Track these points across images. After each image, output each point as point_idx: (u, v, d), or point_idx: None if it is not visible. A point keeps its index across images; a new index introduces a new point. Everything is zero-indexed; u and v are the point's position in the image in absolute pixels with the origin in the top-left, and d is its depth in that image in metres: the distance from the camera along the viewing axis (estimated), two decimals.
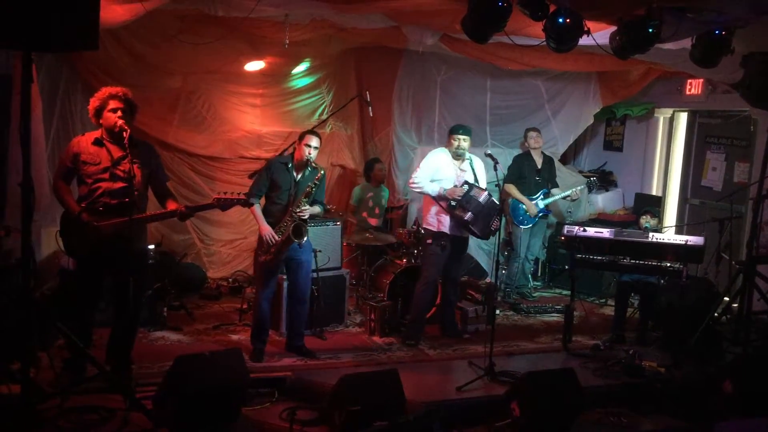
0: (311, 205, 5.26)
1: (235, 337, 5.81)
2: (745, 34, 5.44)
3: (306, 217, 5.21)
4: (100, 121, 4.43)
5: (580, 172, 9.02)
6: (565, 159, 9.24)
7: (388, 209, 7.84)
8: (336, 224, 6.38)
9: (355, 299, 6.77)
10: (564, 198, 7.39)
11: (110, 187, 4.39)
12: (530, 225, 7.38)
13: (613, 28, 5.16)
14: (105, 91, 4.42)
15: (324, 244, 6.05)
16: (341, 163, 7.99)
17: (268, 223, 5.23)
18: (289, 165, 5.29)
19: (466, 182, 5.76)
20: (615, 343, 6.04)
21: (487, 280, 7.42)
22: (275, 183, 5.27)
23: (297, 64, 7.35)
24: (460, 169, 5.88)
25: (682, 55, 5.69)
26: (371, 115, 7.56)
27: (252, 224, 6.24)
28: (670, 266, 5.81)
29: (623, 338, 6.13)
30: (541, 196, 7.36)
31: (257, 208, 5.25)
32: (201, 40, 5.95)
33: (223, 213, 5.67)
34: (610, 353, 5.76)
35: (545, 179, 7.45)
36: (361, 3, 5.35)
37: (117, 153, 4.41)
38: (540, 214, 7.38)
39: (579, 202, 8.01)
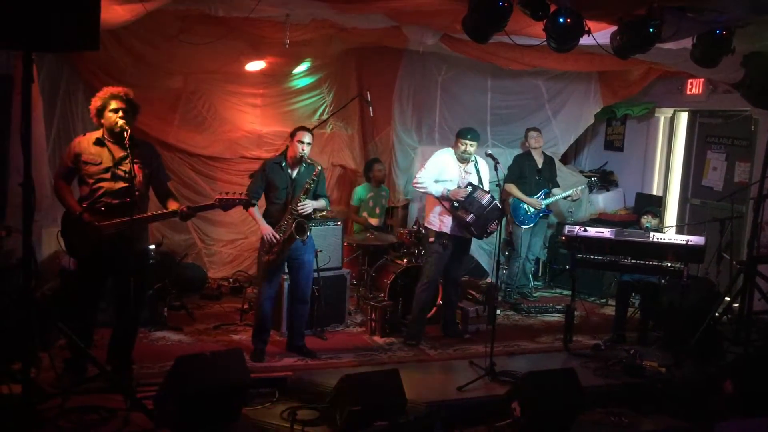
0: (314, 200, 5.26)
1: (235, 337, 5.82)
2: (746, 34, 5.44)
3: (308, 212, 5.20)
4: (102, 121, 4.43)
5: (581, 171, 9.02)
6: (565, 159, 9.24)
7: (389, 209, 7.85)
8: (336, 224, 6.38)
9: (355, 299, 6.77)
10: (565, 198, 7.39)
11: (111, 188, 4.39)
12: (531, 225, 7.38)
13: (614, 28, 5.17)
14: (107, 91, 4.42)
15: (325, 244, 6.05)
16: (342, 163, 7.99)
17: (269, 223, 5.22)
18: (283, 164, 5.27)
19: (470, 184, 5.76)
20: (616, 343, 6.04)
21: (488, 280, 7.42)
22: (272, 183, 5.27)
23: (297, 64, 7.35)
24: (465, 171, 5.88)
25: (682, 55, 5.69)
26: (372, 115, 7.57)
27: (253, 224, 6.24)
28: (670, 266, 5.80)
29: (624, 338, 6.13)
30: (542, 196, 7.36)
31: (255, 210, 5.23)
32: (201, 40, 5.96)
33: (224, 213, 5.67)
34: (610, 353, 5.75)
35: (546, 179, 7.44)
36: (361, 3, 5.35)
37: (118, 153, 4.42)
38: (541, 214, 7.38)
39: (580, 202, 8.01)
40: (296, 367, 5.17)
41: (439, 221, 5.84)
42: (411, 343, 5.85)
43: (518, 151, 7.95)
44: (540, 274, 8.34)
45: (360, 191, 7.52)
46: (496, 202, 5.79)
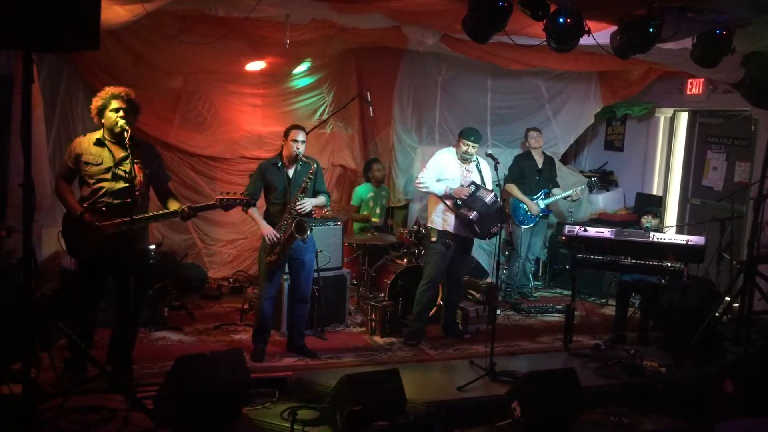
0: (313, 197, 5.26)
1: (236, 337, 5.81)
2: (746, 34, 5.45)
3: (307, 210, 5.20)
4: (102, 121, 4.43)
5: (581, 171, 9.02)
6: (565, 159, 9.23)
7: (389, 209, 7.85)
8: (337, 224, 6.38)
9: (355, 299, 6.77)
10: (565, 198, 7.39)
11: (112, 188, 4.39)
12: (531, 225, 7.38)
13: (614, 28, 5.17)
14: (108, 90, 4.43)
15: (325, 244, 6.05)
16: (342, 163, 7.99)
17: (269, 223, 5.22)
18: (279, 164, 5.27)
19: (473, 182, 5.77)
20: (616, 342, 6.04)
21: (488, 280, 7.42)
22: (269, 184, 5.26)
23: (298, 64, 7.35)
24: (466, 170, 5.88)
25: (682, 55, 5.69)
26: (372, 115, 7.56)
27: (253, 224, 6.24)
28: (671, 266, 5.80)
29: (624, 338, 6.13)
30: (542, 196, 7.35)
31: (254, 211, 5.24)
32: (202, 40, 5.96)
33: (224, 213, 5.68)
34: (610, 353, 5.75)
35: (546, 179, 7.44)
36: (361, 3, 5.35)
37: (119, 153, 4.42)
38: (541, 214, 7.38)
39: (580, 202, 8.01)
40: (296, 367, 5.17)
41: (443, 220, 5.84)
42: (411, 343, 5.85)
43: (518, 151, 7.95)
44: (540, 274, 8.34)
45: (360, 191, 7.52)
46: (500, 200, 5.77)
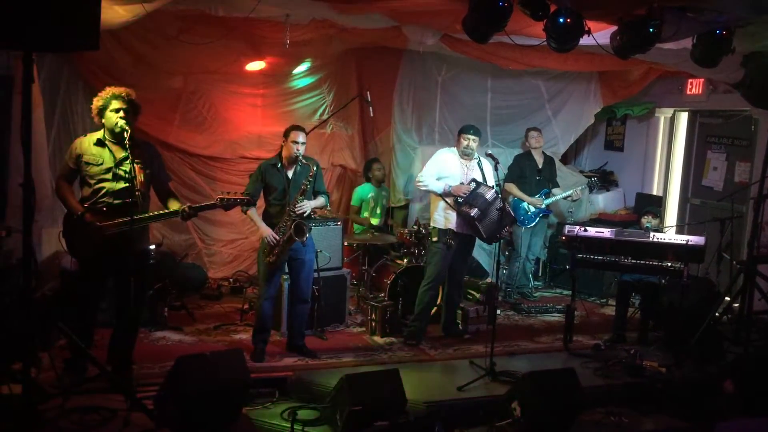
0: (313, 198, 5.26)
1: (236, 337, 5.82)
2: (746, 34, 5.45)
3: (306, 212, 5.20)
4: (103, 121, 4.43)
5: (581, 171, 9.02)
6: (565, 159, 9.24)
7: (389, 210, 7.85)
8: (337, 224, 6.38)
9: (355, 299, 6.77)
10: (565, 198, 7.39)
11: (113, 188, 4.40)
12: (531, 225, 7.38)
13: (614, 28, 5.17)
14: (109, 91, 4.43)
15: (325, 244, 6.05)
16: (342, 163, 8.00)
17: (269, 224, 5.22)
18: (279, 165, 5.26)
19: (473, 180, 5.76)
20: (616, 342, 6.04)
21: (488, 280, 7.42)
22: (269, 185, 5.26)
23: (298, 64, 7.35)
24: (467, 168, 5.88)
25: (682, 55, 5.70)
26: (372, 115, 7.56)
27: (252, 224, 6.23)
28: (671, 266, 5.80)
29: (624, 338, 6.13)
30: (542, 196, 7.36)
31: (253, 212, 5.23)
32: (201, 41, 5.96)
33: (224, 213, 5.68)
34: (610, 353, 5.75)
35: (546, 179, 7.44)
36: (361, 3, 5.35)
37: (119, 153, 4.42)
38: (541, 214, 7.38)
39: (580, 202, 8.01)
40: (296, 367, 5.17)
41: (445, 218, 5.83)
42: (411, 343, 5.85)
43: (518, 151, 7.95)
44: (540, 274, 8.34)
45: (361, 191, 7.52)
46: (501, 197, 5.75)
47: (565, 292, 7.49)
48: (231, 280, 7.24)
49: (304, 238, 5.14)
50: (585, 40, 4.96)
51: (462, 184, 5.76)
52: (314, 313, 5.81)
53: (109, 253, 4.37)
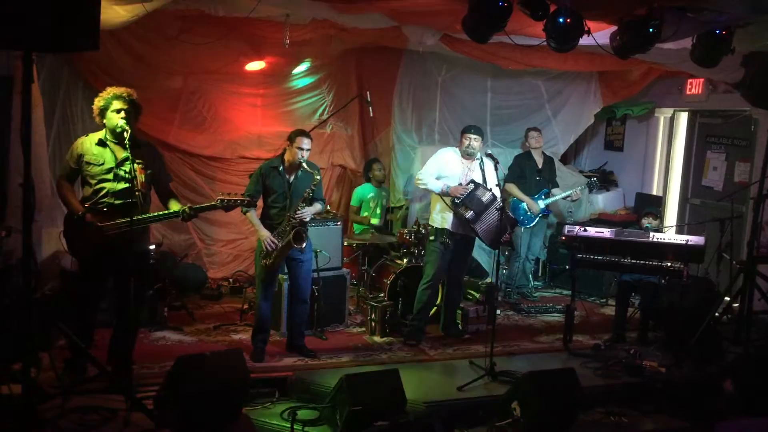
0: (311, 204, 5.26)
1: (235, 337, 5.81)
2: (746, 34, 5.45)
3: (307, 219, 5.20)
4: (104, 122, 4.43)
5: (581, 172, 9.02)
6: (565, 159, 9.24)
7: (390, 209, 7.85)
8: (336, 224, 6.38)
9: (355, 299, 6.77)
10: (565, 198, 7.39)
11: (114, 188, 4.40)
12: (531, 225, 7.38)
13: (614, 28, 5.17)
14: (110, 91, 4.42)
15: (324, 244, 6.05)
16: (342, 163, 7.99)
17: (267, 226, 5.22)
18: (281, 168, 5.25)
19: (472, 181, 5.76)
20: (616, 342, 6.04)
21: (488, 280, 7.42)
22: (269, 188, 5.25)
23: (297, 64, 7.35)
24: (468, 168, 5.88)
25: (682, 55, 5.70)
26: (372, 115, 7.56)
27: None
28: (670, 266, 5.80)
29: (624, 338, 6.13)
30: (542, 196, 7.35)
31: (252, 213, 5.22)
32: (201, 41, 5.97)
33: (224, 213, 5.67)
34: (610, 353, 5.75)
35: (546, 179, 7.44)
36: (361, 3, 5.36)
37: (120, 154, 4.42)
38: (540, 214, 7.38)
39: (579, 202, 8.01)
40: (296, 367, 5.17)
41: (441, 218, 5.84)
42: (411, 343, 5.85)
43: (518, 151, 7.94)
44: (540, 274, 8.34)
45: (361, 191, 7.52)
46: (499, 200, 5.74)
47: (565, 292, 7.49)
48: (231, 280, 7.23)
49: (303, 246, 5.14)
50: (585, 40, 4.97)
51: (460, 185, 5.76)
52: (314, 313, 5.81)
53: (110, 253, 4.37)
